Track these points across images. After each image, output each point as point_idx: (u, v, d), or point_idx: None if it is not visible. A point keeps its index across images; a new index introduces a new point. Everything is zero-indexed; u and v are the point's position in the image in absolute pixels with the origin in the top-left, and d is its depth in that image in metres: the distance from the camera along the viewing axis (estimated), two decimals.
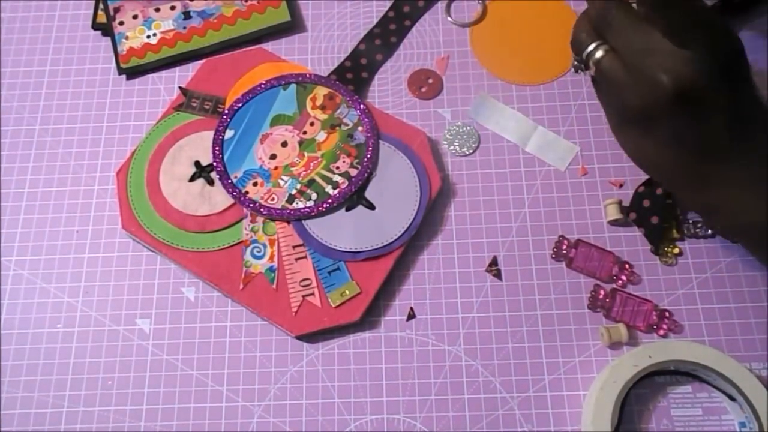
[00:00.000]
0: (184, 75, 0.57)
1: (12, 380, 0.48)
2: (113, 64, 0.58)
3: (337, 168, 0.51)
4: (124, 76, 0.57)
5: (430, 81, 0.56)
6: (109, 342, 0.49)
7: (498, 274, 0.50)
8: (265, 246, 0.50)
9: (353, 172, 0.51)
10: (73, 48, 0.59)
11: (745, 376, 0.44)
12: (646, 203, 0.50)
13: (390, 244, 0.49)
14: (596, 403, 0.44)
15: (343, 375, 0.48)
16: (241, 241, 0.50)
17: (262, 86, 0.54)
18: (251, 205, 0.50)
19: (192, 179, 0.52)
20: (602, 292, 0.49)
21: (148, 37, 0.57)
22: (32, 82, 0.57)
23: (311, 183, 0.51)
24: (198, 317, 0.50)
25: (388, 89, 0.56)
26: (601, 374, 0.46)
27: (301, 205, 0.50)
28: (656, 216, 0.50)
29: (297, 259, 0.49)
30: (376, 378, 0.48)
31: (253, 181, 0.51)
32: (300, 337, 0.49)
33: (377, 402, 0.47)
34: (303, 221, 0.50)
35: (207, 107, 0.54)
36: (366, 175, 0.51)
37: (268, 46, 0.58)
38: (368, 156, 0.51)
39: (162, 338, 0.49)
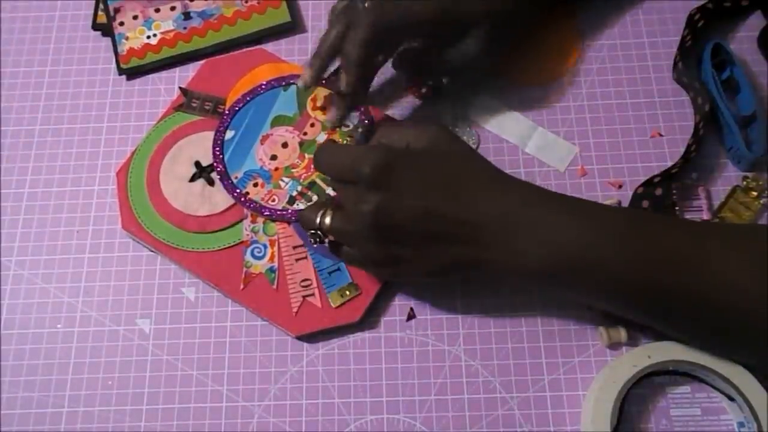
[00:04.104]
0: (184, 75, 0.57)
1: (12, 380, 0.48)
2: (113, 65, 0.58)
3: None
4: (124, 77, 0.57)
5: (430, 82, 0.56)
6: (109, 342, 0.49)
7: None
8: (265, 246, 0.50)
9: None
10: (73, 48, 0.59)
11: (744, 376, 0.44)
12: (645, 204, 0.50)
13: None
14: (595, 403, 0.44)
15: (343, 375, 0.48)
16: (242, 242, 0.50)
17: (263, 87, 0.54)
18: (252, 205, 0.50)
19: (192, 179, 0.52)
20: None
21: (149, 37, 0.57)
22: (32, 82, 0.57)
23: (312, 185, 0.51)
24: (198, 317, 0.50)
25: (388, 90, 0.56)
26: (600, 374, 0.46)
27: (302, 206, 0.50)
28: None
29: (297, 260, 0.49)
30: (376, 378, 0.48)
31: (254, 181, 0.51)
32: (300, 338, 0.49)
33: (377, 402, 0.47)
34: None
35: (207, 107, 0.54)
36: None
37: (269, 47, 0.58)
38: None
39: (162, 338, 0.49)
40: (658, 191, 0.50)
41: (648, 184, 0.51)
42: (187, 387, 0.48)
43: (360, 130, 0.52)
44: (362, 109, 0.53)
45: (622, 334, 0.47)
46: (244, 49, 0.57)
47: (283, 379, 0.48)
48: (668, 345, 0.45)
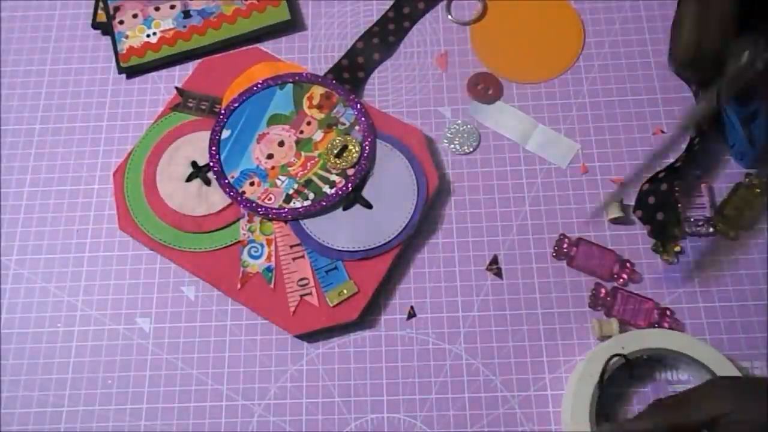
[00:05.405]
0: (184, 74, 0.57)
1: (12, 379, 0.48)
2: (113, 63, 0.58)
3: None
4: (124, 76, 0.57)
5: (490, 92, 0.55)
6: (109, 341, 0.49)
7: (499, 273, 0.50)
8: (262, 246, 0.50)
9: (350, 171, 0.51)
10: (73, 48, 0.59)
11: (719, 360, 0.44)
12: (651, 200, 0.50)
13: (387, 242, 0.49)
14: (574, 397, 0.44)
15: (343, 374, 0.48)
16: (239, 241, 0.50)
17: (259, 86, 0.54)
18: (248, 204, 0.50)
19: (189, 179, 0.52)
20: (603, 290, 0.48)
21: (148, 36, 0.57)
22: (32, 82, 0.57)
23: (308, 183, 0.51)
24: (198, 316, 0.50)
25: (388, 87, 0.56)
26: (577, 369, 0.46)
27: (298, 204, 0.50)
28: (661, 212, 0.50)
29: (294, 259, 0.49)
30: (376, 377, 0.48)
31: (250, 180, 0.51)
32: (300, 336, 0.48)
33: (378, 401, 0.47)
34: (300, 221, 0.50)
35: (203, 107, 0.54)
36: (363, 174, 0.51)
37: (268, 45, 0.58)
38: (365, 155, 0.51)
39: (162, 337, 0.49)
40: (664, 186, 0.50)
41: (653, 180, 0.50)
42: (187, 386, 0.48)
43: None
44: (359, 107, 0.52)
45: (614, 327, 0.46)
46: (240, 49, 0.57)
47: (283, 377, 0.48)
48: (641, 334, 0.45)
